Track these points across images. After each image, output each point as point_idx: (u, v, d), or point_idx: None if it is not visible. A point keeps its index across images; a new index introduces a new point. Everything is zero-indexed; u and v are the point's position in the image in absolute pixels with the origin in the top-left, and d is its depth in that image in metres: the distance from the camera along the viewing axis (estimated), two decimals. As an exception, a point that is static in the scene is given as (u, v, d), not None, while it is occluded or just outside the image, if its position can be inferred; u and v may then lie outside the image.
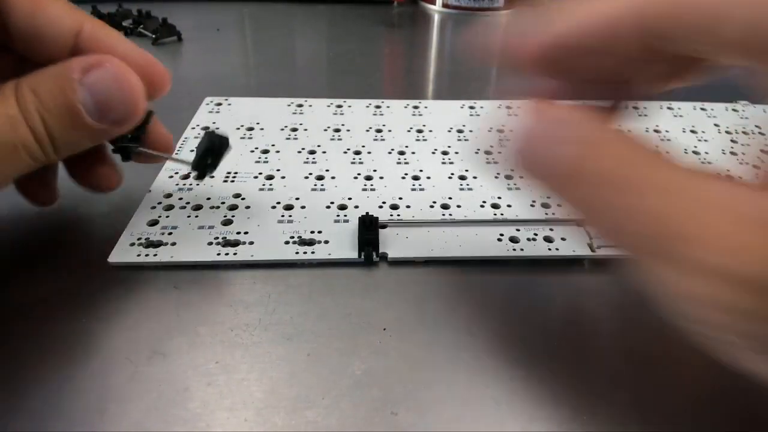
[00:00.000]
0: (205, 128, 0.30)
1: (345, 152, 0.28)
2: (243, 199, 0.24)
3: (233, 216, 0.23)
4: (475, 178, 0.26)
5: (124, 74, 0.17)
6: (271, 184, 0.25)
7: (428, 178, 0.26)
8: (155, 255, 0.20)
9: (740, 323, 0.10)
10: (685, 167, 0.11)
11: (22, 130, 0.16)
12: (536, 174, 0.14)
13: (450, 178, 0.26)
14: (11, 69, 0.19)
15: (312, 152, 0.28)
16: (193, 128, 0.30)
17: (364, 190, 0.25)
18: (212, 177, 0.25)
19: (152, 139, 0.21)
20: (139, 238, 0.21)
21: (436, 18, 0.56)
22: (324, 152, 0.28)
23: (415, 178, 0.26)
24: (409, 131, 0.30)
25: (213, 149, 0.21)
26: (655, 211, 0.11)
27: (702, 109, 0.34)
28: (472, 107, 0.33)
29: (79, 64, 0.17)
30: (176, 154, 0.24)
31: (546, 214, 0.23)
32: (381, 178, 0.26)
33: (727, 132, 0.32)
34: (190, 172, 0.22)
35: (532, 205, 0.24)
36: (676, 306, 0.11)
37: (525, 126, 0.14)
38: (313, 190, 0.25)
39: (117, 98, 0.17)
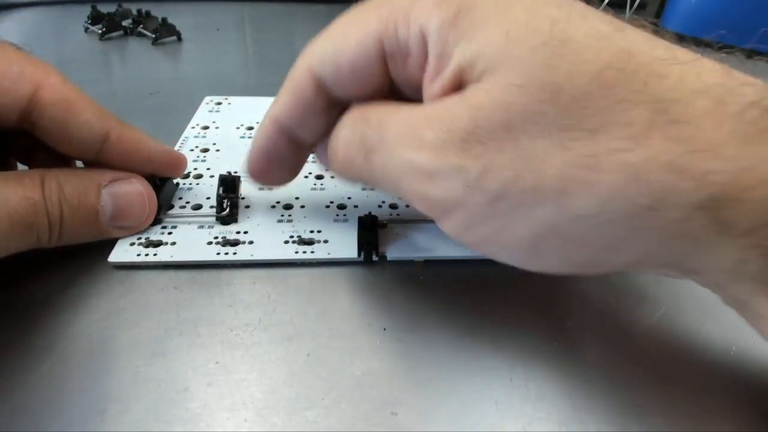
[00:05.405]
0: (205, 127, 0.30)
1: (345, 152, 0.28)
2: (243, 198, 0.24)
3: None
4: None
5: (144, 192, 0.21)
6: (270, 184, 0.25)
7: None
8: (155, 255, 0.20)
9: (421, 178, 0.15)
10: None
11: (40, 215, 0.18)
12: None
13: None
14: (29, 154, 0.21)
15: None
16: (193, 127, 0.30)
17: (364, 189, 0.25)
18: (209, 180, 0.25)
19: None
20: (139, 238, 0.21)
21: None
22: (324, 152, 0.28)
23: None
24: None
25: (226, 188, 0.22)
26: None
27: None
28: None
29: (110, 174, 0.20)
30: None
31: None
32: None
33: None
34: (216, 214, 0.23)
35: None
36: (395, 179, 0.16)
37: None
38: (313, 189, 0.25)
39: (133, 210, 0.20)
